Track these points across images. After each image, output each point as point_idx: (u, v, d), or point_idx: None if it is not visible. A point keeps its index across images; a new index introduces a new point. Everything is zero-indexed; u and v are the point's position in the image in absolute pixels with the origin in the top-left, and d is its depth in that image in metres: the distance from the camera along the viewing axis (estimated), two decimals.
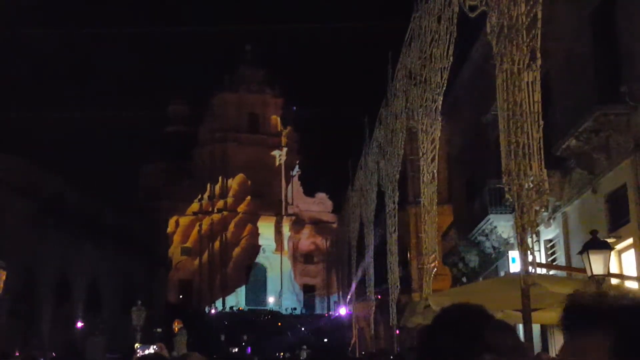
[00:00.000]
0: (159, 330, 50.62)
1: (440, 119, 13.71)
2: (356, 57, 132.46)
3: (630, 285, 13.62)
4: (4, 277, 17.03)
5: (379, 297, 28.73)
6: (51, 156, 76.74)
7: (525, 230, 8.42)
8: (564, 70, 16.90)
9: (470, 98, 25.29)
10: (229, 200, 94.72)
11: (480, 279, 24.61)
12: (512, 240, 20.41)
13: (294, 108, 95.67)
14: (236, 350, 68.28)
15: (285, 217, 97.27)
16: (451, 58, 12.39)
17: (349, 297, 47.18)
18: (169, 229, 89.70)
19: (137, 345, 27.01)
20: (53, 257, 44.54)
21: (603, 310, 1.59)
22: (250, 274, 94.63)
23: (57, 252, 45.10)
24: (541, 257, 18.17)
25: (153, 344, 21.88)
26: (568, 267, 16.07)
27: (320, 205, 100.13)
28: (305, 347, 59.63)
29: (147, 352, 16.62)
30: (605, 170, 15.16)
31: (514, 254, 18.94)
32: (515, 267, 18.23)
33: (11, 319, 38.28)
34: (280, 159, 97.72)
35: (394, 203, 19.76)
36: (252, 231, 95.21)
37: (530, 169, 8.43)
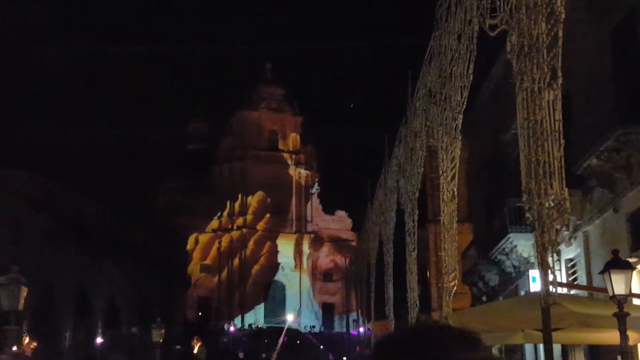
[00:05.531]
0: (178, 347, 50.61)
1: (460, 137, 13.66)
2: (376, 76, 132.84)
3: None
4: (24, 294, 17.13)
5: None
6: (71, 173, 77.31)
7: (545, 249, 8.37)
8: (584, 88, 16.83)
9: (491, 116, 25.24)
10: (249, 217, 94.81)
11: (500, 298, 24.46)
12: (532, 259, 20.27)
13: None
14: None
15: (304, 234, 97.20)
16: (471, 76, 12.36)
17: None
18: (189, 246, 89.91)
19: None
20: (72, 273, 44.78)
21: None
22: (269, 291, 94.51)
23: (77, 269, 45.34)
24: (562, 277, 18.01)
25: None
26: (589, 286, 15.94)
27: (339, 223, 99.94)
28: None
29: None
30: (626, 189, 15.06)
31: (534, 273, 18.81)
32: (535, 286, 18.09)
33: (31, 335, 38.45)
34: (299, 177, 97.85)
35: (413, 221, 19.67)
36: (271, 249, 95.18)
37: (551, 187, 8.38)
